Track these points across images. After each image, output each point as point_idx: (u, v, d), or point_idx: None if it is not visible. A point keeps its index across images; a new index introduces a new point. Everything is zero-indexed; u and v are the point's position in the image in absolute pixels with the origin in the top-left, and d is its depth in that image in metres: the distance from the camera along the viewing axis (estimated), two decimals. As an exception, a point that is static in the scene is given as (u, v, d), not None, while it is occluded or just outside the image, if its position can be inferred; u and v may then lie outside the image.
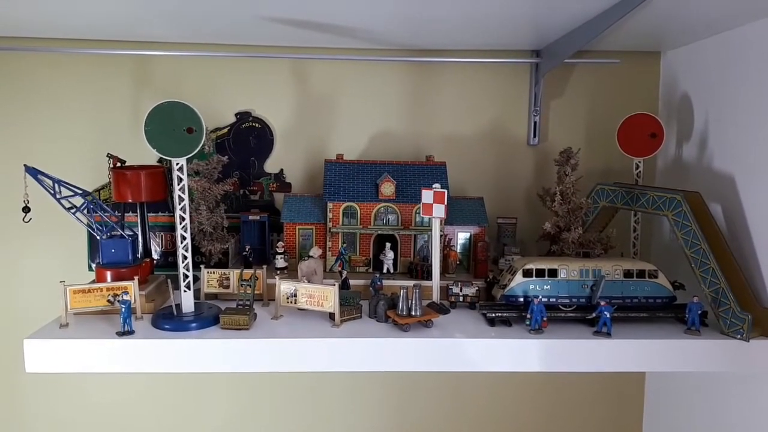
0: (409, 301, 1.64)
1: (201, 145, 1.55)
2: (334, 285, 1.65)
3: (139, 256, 1.87)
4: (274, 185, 2.22)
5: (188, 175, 1.61)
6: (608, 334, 1.63)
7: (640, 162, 2.06)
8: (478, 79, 2.23)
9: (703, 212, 1.77)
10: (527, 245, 2.16)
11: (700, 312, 1.66)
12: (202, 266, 1.82)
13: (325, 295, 1.65)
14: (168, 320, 1.55)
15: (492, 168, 2.26)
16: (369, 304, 1.74)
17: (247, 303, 1.68)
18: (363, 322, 1.70)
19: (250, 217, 2.04)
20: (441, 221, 1.78)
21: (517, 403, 2.40)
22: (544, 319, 1.63)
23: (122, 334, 1.57)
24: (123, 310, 1.57)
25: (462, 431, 2.42)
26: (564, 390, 2.40)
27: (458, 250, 2.01)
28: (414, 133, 2.24)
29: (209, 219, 1.87)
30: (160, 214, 2.16)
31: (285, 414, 2.39)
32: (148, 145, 1.53)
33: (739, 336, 1.62)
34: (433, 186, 1.77)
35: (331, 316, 1.68)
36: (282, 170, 2.23)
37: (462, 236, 2.03)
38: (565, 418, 2.42)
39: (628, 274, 1.71)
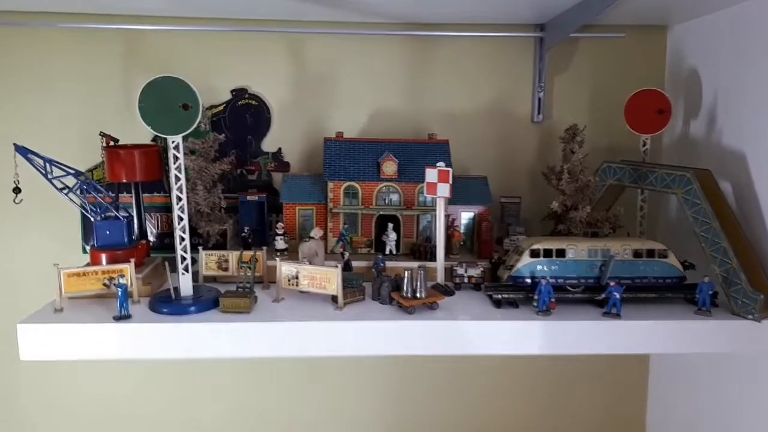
0: (414, 283, 1.60)
1: (197, 122, 1.49)
2: (337, 267, 1.60)
3: (134, 237, 1.81)
4: (272, 165, 2.16)
5: (184, 153, 1.55)
6: (618, 315, 1.59)
7: (647, 139, 2.01)
8: (481, 55, 2.17)
9: (713, 190, 1.73)
10: (531, 225, 2.11)
11: (711, 292, 1.62)
12: (200, 248, 1.77)
13: (327, 278, 1.61)
14: (166, 304, 1.51)
15: (495, 146, 2.21)
16: (372, 286, 1.70)
17: (248, 286, 1.63)
18: (366, 305, 1.66)
19: (248, 198, 1.98)
20: (445, 201, 1.73)
21: (518, 385, 2.38)
22: (552, 300, 1.59)
23: (119, 318, 1.52)
24: (119, 293, 1.52)
25: (463, 414, 2.40)
26: (566, 372, 2.38)
27: (461, 231, 1.97)
28: (415, 111, 2.18)
29: (206, 199, 1.82)
30: (155, 194, 2.10)
31: (287, 399, 2.35)
32: (142, 123, 1.47)
33: (750, 316, 1.60)
34: (438, 164, 1.72)
35: (334, 298, 1.63)
36: (280, 149, 2.17)
37: (465, 216, 1.99)
38: (568, 400, 2.41)
39: (637, 253, 1.67)
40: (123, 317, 1.53)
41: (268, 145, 2.08)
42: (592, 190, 1.79)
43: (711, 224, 1.66)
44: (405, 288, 1.59)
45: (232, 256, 1.76)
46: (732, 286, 1.63)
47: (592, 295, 1.66)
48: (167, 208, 2.12)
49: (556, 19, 2.03)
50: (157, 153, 1.87)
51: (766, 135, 1.73)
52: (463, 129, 2.16)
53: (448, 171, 1.69)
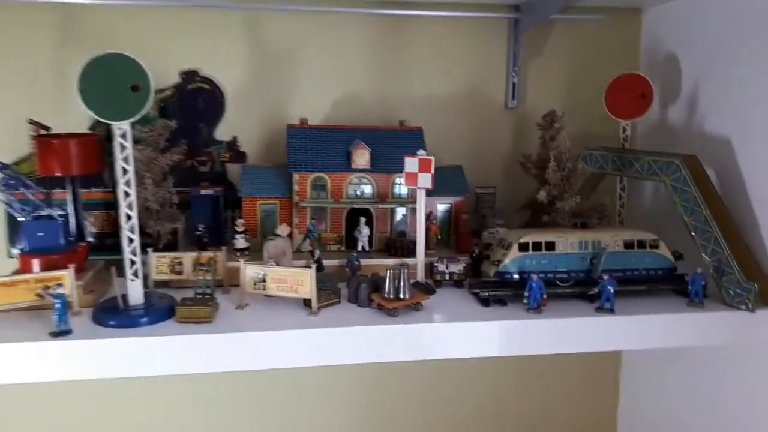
0: (397, 283, 1.45)
1: (148, 105, 1.29)
2: (311, 268, 1.43)
3: (71, 239, 1.59)
4: (227, 155, 1.97)
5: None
6: (611, 311, 1.50)
7: (627, 125, 1.93)
8: (453, 36, 2.04)
9: (701, 177, 1.66)
10: (507, 215, 2.00)
11: (704, 283, 1.55)
12: (149, 250, 1.56)
13: (299, 280, 1.44)
14: (113, 315, 1.33)
15: (467, 133, 2.09)
16: (348, 287, 1.54)
17: (208, 291, 1.44)
18: (342, 308, 1.50)
19: (202, 192, 1.78)
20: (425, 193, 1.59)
21: (489, 381, 2.27)
22: (544, 296, 1.48)
23: (57, 334, 1.31)
24: (57, 305, 1.30)
25: (437, 415, 2.27)
26: (538, 366, 2.29)
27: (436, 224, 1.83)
28: (383, 96, 2.03)
29: (156, 194, 1.61)
30: (93, 189, 1.86)
31: (254, 414, 2.16)
32: (83, 108, 1.26)
33: (743, 307, 1.53)
34: (418, 152, 1.57)
35: (306, 302, 1.47)
36: (235, 138, 1.97)
37: (441, 208, 1.86)
38: (540, 394, 2.32)
39: (628, 244, 1.58)
40: (62, 333, 1.31)
41: (222, 133, 1.90)
42: (592, 179, 1.68)
43: (701, 212, 1.59)
44: (387, 288, 1.44)
45: (187, 258, 1.56)
46: (724, 276, 1.56)
47: (583, 289, 1.56)
48: (107, 205, 1.89)
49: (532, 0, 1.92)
50: (96, 142, 1.64)
51: (752, 119, 1.67)
52: (434, 116, 2.02)
53: (430, 160, 1.55)
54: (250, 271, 1.47)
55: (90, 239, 1.83)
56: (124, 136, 1.32)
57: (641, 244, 1.59)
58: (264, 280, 1.47)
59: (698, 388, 1.89)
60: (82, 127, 1.84)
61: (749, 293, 1.51)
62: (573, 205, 1.64)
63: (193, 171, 1.97)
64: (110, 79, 1.26)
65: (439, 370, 2.23)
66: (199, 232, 1.71)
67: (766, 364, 1.63)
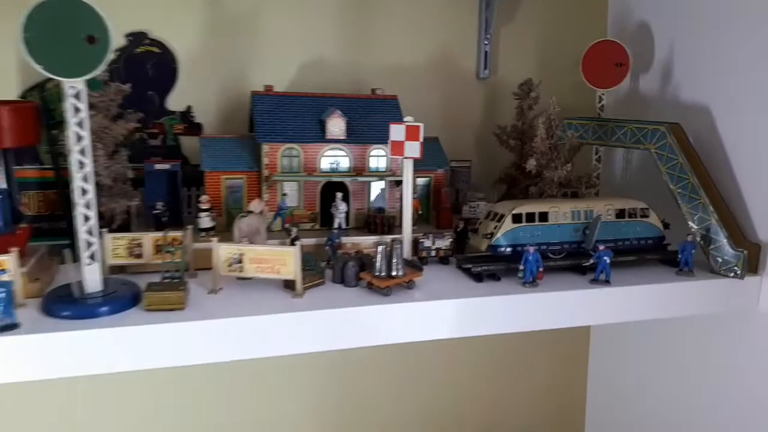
0: (389, 260, 1.33)
1: (106, 60, 1.11)
2: (296, 246, 1.30)
3: (9, 221, 1.37)
4: (180, 126, 1.78)
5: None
6: (607, 282, 1.45)
7: (603, 94, 1.89)
8: (423, 3, 1.92)
9: (686, 144, 1.63)
10: (484, 190, 1.92)
11: (693, 251, 1.52)
12: (103, 231, 1.37)
13: (282, 259, 1.30)
14: (67, 304, 1.16)
15: (439, 105, 2.00)
16: (332, 266, 1.41)
17: (178, 275, 1.28)
18: (328, 289, 1.38)
19: (157, 167, 1.59)
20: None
21: (459, 358, 2.20)
22: (540, 270, 1.41)
23: (2, 329, 1.11)
24: (2, 295, 1.10)
25: (406, 396, 2.18)
26: (508, 343, 2.23)
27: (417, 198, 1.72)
28: (351, 62, 1.90)
29: (108, 168, 1.42)
30: (26, 167, 1.63)
31: (225, 403, 1.99)
32: (30, 61, 1.07)
33: (732, 274, 1.52)
34: (405, 119, 1.46)
35: (288, 284, 1.33)
36: (189, 107, 1.79)
37: (420, 182, 1.75)
38: (510, 372, 2.27)
39: (620, 214, 1.53)
40: (8, 327, 1.12)
41: (175, 102, 1.74)
42: (570, 148, 1.62)
43: (689, 180, 1.57)
44: (378, 265, 1.32)
45: (148, 239, 1.38)
46: (712, 244, 1.55)
47: (575, 261, 1.49)
48: (43, 184, 1.66)
49: (505, -39, 1.84)
50: (32, 111, 1.43)
51: (730, 87, 1.66)
52: (404, 84, 1.90)
53: (419, 127, 1.44)
54: (224, 251, 1.32)
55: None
56: (77, 96, 1.13)
57: (632, 213, 1.54)
58: (240, 261, 1.31)
59: (670, 360, 1.89)
60: (11, 95, 1.61)
61: (738, 260, 1.50)
62: (563, 175, 1.57)
63: (142, 145, 1.77)
64: (62, 28, 1.08)
65: (409, 348, 2.13)
66: (157, 211, 1.53)
67: (734, 329, 1.64)
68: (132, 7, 1.70)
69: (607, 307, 1.44)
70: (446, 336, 1.33)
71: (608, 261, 1.43)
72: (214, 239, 1.34)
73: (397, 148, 1.45)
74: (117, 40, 1.70)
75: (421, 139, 1.43)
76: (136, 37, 1.73)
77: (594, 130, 1.76)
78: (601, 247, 1.44)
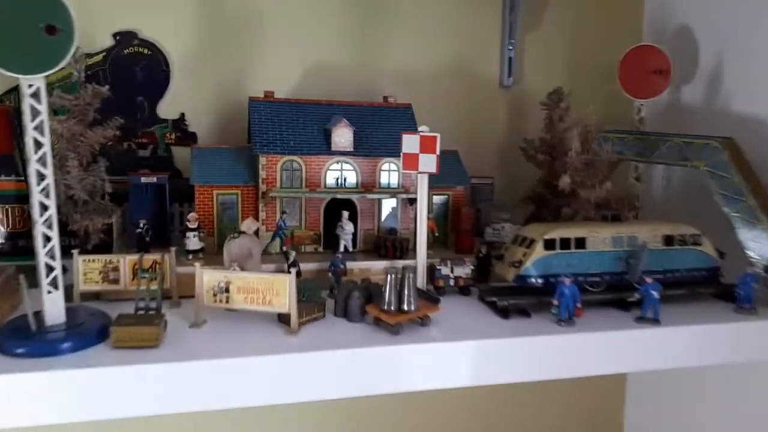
0: (399, 290, 1.14)
1: (70, 54, 0.94)
2: (290, 273, 1.10)
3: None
4: (172, 136, 1.62)
5: (49, 112, 0.98)
6: (656, 321, 1.24)
7: (642, 105, 1.69)
8: (442, 4, 1.74)
9: (741, 161, 1.43)
10: (509, 210, 1.72)
11: (755, 285, 1.31)
12: (74, 252, 1.20)
13: (275, 289, 1.11)
14: (22, 339, 0.98)
15: (458, 115, 1.83)
16: (334, 296, 1.22)
17: (153, 306, 1.09)
18: (329, 324, 1.19)
19: (143, 180, 1.42)
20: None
21: (489, 404, 1.99)
22: (578, 305, 1.20)
23: (-62, 370, 0.93)
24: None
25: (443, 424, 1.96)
26: (539, 387, 2.00)
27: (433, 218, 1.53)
28: (361, 68, 1.74)
29: (83, 180, 1.25)
30: (2, 177, 1.47)
31: None
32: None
33: (801, 313, 1.30)
34: (420, 129, 1.27)
35: (282, 318, 1.14)
36: (183, 115, 1.63)
37: (437, 200, 1.56)
38: (545, 407, 2.04)
39: (668, 240, 1.33)
40: (-56, 368, 0.94)
41: (167, 109, 1.61)
42: (608, 165, 1.42)
43: (746, 201, 1.36)
44: (386, 297, 1.13)
45: (125, 261, 1.20)
46: (776, 277, 1.33)
47: (617, 294, 1.29)
48: (18, 198, 1.49)
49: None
50: (4, 115, 1.26)
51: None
52: (419, 93, 1.74)
53: (435, 137, 1.26)
54: (208, 277, 1.14)
55: (-3, 240, 1.44)
56: (36, 95, 0.96)
57: (682, 240, 1.34)
58: (227, 290, 1.13)
59: (714, 405, 1.67)
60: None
61: (807, 295, 1.28)
62: (602, 195, 1.37)
63: (130, 156, 1.62)
64: (19, 18, 0.91)
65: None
66: (139, 230, 1.35)
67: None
68: (120, 3, 1.54)
69: (657, 351, 1.23)
70: (466, 384, 1.13)
71: (656, 296, 1.23)
72: (198, 264, 1.15)
73: (411, 161, 1.26)
74: (103, 40, 1.55)
75: (438, 152, 1.25)
76: (125, 37, 1.57)
77: (633, 144, 1.57)
78: (649, 280, 1.23)
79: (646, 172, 1.81)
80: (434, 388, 1.12)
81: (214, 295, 1.15)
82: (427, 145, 1.26)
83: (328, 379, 1.07)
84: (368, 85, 1.71)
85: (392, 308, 1.14)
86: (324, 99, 1.53)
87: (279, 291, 1.12)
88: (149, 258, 1.18)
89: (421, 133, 1.26)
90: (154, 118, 1.62)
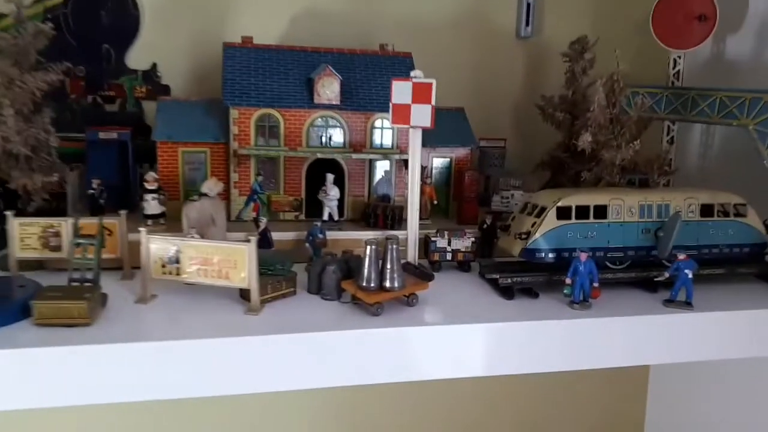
0: (381, 265, 0.95)
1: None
2: (250, 241, 0.93)
3: None
4: (143, 89, 1.45)
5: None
6: (689, 304, 1.05)
7: (679, 57, 1.47)
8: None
9: (797, 120, 1.20)
10: (522, 177, 1.52)
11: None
12: (8, 214, 1.03)
13: (232, 259, 0.94)
14: None
15: (467, 68, 1.66)
16: (308, 270, 1.04)
17: (89, 277, 0.93)
18: (299, 303, 1.03)
19: (101, 135, 1.25)
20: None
21: (511, 383, 1.78)
22: (595, 285, 1.01)
23: None
24: None
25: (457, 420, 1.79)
26: (544, 381, 1.81)
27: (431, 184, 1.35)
28: (357, 15, 1.56)
29: (21, 132, 1.08)
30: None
31: None
32: None
33: None
34: (412, 74, 1.07)
35: (244, 294, 0.96)
36: (155, 65, 1.47)
37: (438, 164, 1.37)
38: (566, 401, 1.85)
39: (706, 210, 1.12)
40: None
41: (137, 59, 1.45)
42: (639, 122, 1.21)
43: (801, 166, 1.14)
44: (365, 273, 0.95)
45: (66, 225, 1.03)
46: (834, 256, 1.11)
47: (644, 273, 1.09)
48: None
49: None
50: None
51: None
52: (423, 44, 1.54)
53: (430, 84, 1.06)
54: (156, 245, 0.96)
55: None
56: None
57: (723, 211, 1.13)
58: (177, 260, 0.96)
59: (733, 398, 1.46)
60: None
61: None
62: (628, 156, 1.16)
63: (95, 111, 1.45)
64: None
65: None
66: (92, 191, 1.19)
67: None
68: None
69: (688, 340, 1.03)
70: (457, 375, 0.95)
71: (690, 275, 1.03)
72: (143, 229, 0.98)
73: (401, 113, 1.08)
74: (61, -24, 1.37)
75: (434, 102, 1.05)
76: (87, -25, 1.39)
77: (668, 101, 1.35)
78: (681, 256, 1.04)
79: (681, 134, 1.58)
80: (418, 379, 0.94)
81: (163, 266, 0.98)
82: (420, 94, 1.07)
83: (290, 367, 0.91)
84: (364, 33, 1.53)
85: (372, 285, 0.96)
86: (309, 46, 1.34)
87: (237, 263, 0.95)
88: (88, 222, 1.01)
89: (414, 80, 1.06)
90: (122, 69, 1.45)
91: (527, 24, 1.62)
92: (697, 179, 1.61)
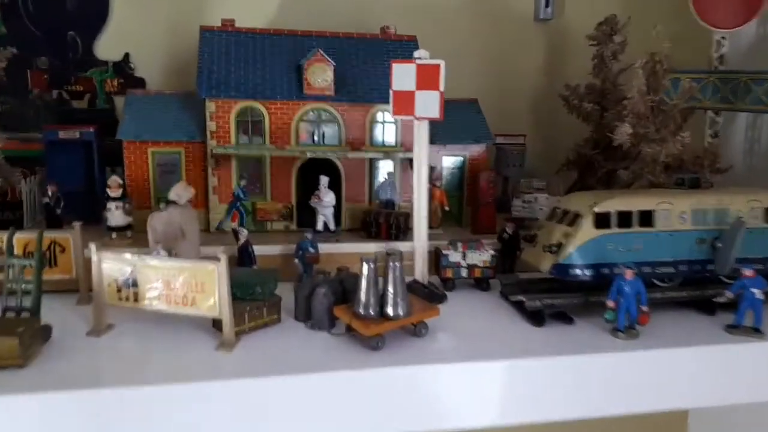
0: (382, 286, 0.78)
1: None
2: (220, 260, 0.75)
3: None
4: (115, 82, 1.28)
5: None
6: (757, 331, 0.85)
7: (724, 37, 1.28)
8: None
9: None
10: (545, 177, 1.34)
11: None
12: (-64, 227, 0.88)
13: (199, 282, 0.76)
14: None
15: (481, 55, 1.48)
16: (295, 292, 0.86)
17: (26, 305, 0.76)
18: (283, 333, 0.87)
19: (61, 135, 1.09)
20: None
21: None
22: (644, 309, 0.83)
23: None
24: None
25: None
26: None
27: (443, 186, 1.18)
28: (356, -4, 1.35)
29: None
30: None
31: None
32: None
33: None
34: (415, 54, 0.89)
35: (217, 323, 0.79)
36: (127, 56, 1.31)
37: (449, 163, 1.19)
38: None
39: (772, 214, 0.94)
40: None
41: (107, 48, 1.33)
42: (682, 112, 1.03)
43: None
44: (362, 298, 0.78)
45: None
46: None
47: (699, 291, 0.92)
48: None
49: None
50: None
51: None
52: (431, 28, 1.39)
53: (437, 66, 0.89)
54: (109, 265, 0.79)
55: None
56: None
57: (791, 215, 0.94)
58: (135, 283, 0.78)
59: None
60: None
61: None
62: (676, 150, 0.97)
63: (61, 108, 1.27)
64: None
65: None
66: (47, 200, 1.02)
67: None
68: None
69: (758, 376, 0.84)
70: (476, 425, 0.76)
71: (759, 295, 0.84)
72: (93, 246, 0.81)
73: (404, 102, 0.91)
74: (19, -45, 1.21)
75: (442, 88, 0.87)
76: (48, -46, 1.23)
77: (714, 87, 1.17)
78: (747, 272, 0.86)
79: (723, 125, 1.39)
80: (428, 430, 0.76)
81: (119, 290, 0.81)
82: (426, 78, 0.89)
83: (267, 420, 0.73)
84: (364, 18, 1.35)
85: (370, 312, 0.79)
86: (299, 29, 1.17)
87: (205, 286, 0.78)
88: (24, 236, 0.84)
89: (418, 61, 0.89)
90: (91, 60, 1.30)
91: (547, 5, 1.44)
92: (742, 179, 1.42)
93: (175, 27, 1.33)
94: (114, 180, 1.01)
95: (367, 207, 1.15)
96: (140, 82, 1.32)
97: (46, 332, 0.80)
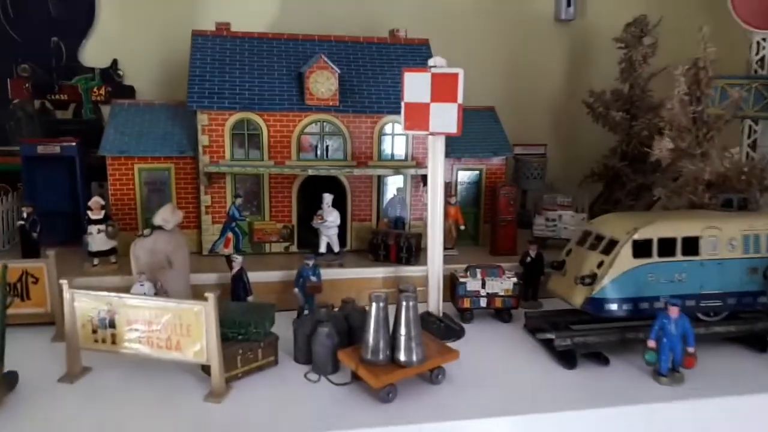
0: (394, 326, 0.68)
1: None
2: (211, 296, 0.65)
3: None
4: (101, 90, 1.19)
5: None
6: (821, 375, 0.75)
7: (765, 39, 1.18)
8: None
9: None
10: (568, 192, 1.24)
11: None
12: None
13: (184, 324, 0.67)
14: None
15: (498, 59, 1.40)
16: (294, 330, 0.77)
17: (-11, 349, 0.68)
18: (280, 378, 0.78)
19: (40, 150, 1.00)
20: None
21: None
22: (690, 350, 0.72)
23: None
24: None
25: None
26: None
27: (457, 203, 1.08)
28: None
29: None
30: None
31: None
32: None
33: None
34: (430, 62, 0.79)
35: (206, 368, 0.69)
36: (115, 62, 1.21)
37: (464, 177, 1.09)
38: None
39: (831, 242, 0.83)
40: None
41: (93, 54, 1.25)
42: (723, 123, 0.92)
43: None
44: (369, 341, 0.68)
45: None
46: None
47: (749, 326, 0.82)
48: None
49: None
50: None
51: None
52: (444, 30, 1.30)
53: (456, 76, 0.78)
54: (82, 303, 0.69)
55: None
56: None
57: None
58: (112, 324, 0.69)
59: None
60: None
61: None
62: (723, 168, 0.87)
63: (44, 118, 1.18)
64: None
65: None
66: (22, 222, 0.93)
67: None
68: None
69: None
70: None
71: (821, 334, 0.74)
72: (64, 282, 0.71)
73: (417, 115, 0.81)
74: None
75: (460, 99, 0.77)
76: (30, -47, 1.14)
77: (757, 94, 1.06)
78: (807, 308, 0.75)
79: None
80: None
81: (94, 331, 0.71)
82: (442, 89, 0.79)
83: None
84: (372, 21, 1.25)
85: (380, 358, 0.69)
86: (300, 33, 1.07)
87: (191, 329, 0.68)
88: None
89: (434, 70, 0.79)
90: (76, 67, 1.22)
91: (569, 4, 1.35)
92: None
93: (166, 32, 1.25)
94: (95, 201, 0.92)
95: (374, 227, 1.06)
96: (129, 90, 1.23)
97: (10, 380, 0.70)
